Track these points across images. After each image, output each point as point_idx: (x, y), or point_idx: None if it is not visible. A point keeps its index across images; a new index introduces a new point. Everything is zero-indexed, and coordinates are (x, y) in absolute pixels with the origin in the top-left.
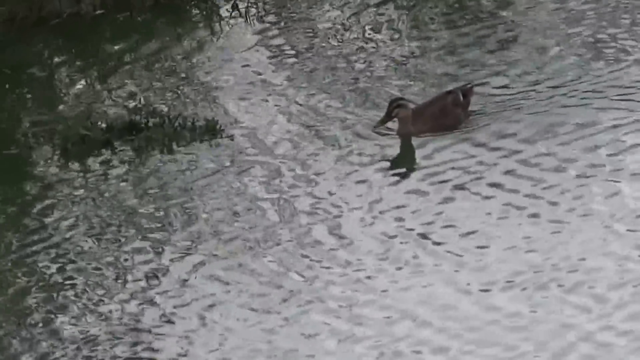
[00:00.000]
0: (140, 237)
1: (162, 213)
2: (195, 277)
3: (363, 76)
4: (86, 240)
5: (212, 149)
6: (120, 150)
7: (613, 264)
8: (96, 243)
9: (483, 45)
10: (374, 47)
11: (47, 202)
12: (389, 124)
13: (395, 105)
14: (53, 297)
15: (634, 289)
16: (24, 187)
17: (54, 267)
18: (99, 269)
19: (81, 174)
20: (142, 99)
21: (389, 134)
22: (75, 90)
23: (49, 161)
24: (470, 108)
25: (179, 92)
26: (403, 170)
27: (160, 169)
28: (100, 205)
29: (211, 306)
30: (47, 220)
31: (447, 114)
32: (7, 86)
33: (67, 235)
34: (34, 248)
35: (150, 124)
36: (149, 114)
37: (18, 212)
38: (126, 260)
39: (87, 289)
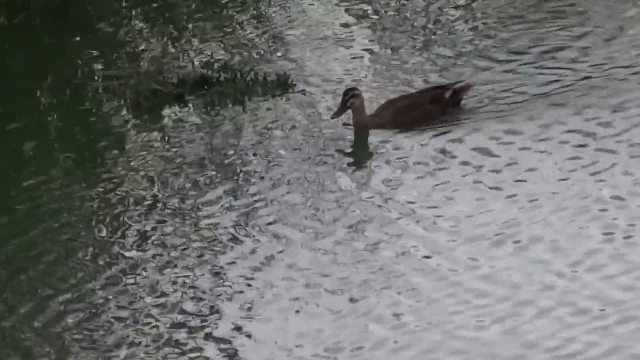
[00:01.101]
0: (212, 187)
1: (234, 165)
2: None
3: (439, 40)
4: (159, 192)
5: (284, 102)
6: (192, 105)
7: None
8: (168, 193)
9: None
10: (452, 15)
11: (120, 154)
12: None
13: (351, 95)
14: (137, 245)
15: None
16: (97, 141)
17: (132, 217)
18: (175, 216)
19: (153, 128)
20: (213, 54)
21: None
22: (147, 45)
23: (121, 115)
24: (460, 105)
25: (251, 46)
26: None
27: (232, 123)
28: (173, 157)
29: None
30: (120, 172)
31: (413, 110)
32: (78, 39)
33: (141, 187)
34: (109, 198)
35: (222, 78)
36: (221, 68)
37: (92, 167)
38: (198, 209)
39: (167, 238)
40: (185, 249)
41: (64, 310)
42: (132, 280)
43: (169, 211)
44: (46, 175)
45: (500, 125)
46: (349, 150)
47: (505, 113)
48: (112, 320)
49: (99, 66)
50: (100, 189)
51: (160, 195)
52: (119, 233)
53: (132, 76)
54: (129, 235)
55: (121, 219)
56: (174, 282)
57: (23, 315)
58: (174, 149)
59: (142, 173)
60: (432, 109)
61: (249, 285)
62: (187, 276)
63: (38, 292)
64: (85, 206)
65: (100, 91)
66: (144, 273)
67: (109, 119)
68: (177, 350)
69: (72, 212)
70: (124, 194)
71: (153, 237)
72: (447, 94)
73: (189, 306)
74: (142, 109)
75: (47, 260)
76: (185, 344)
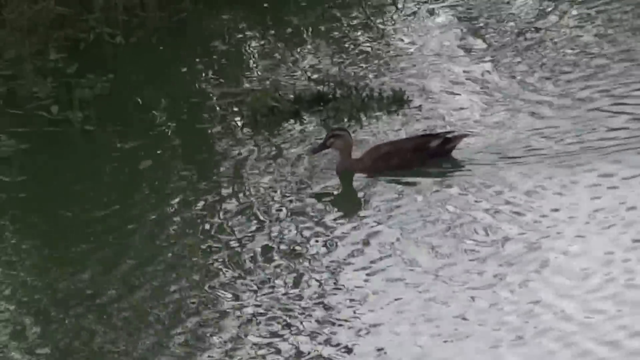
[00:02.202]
0: (329, 201)
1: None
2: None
3: (549, 58)
4: (277, 208)
5: (400, 118)
6: (309, 121)
7: None
8: (287, 209)
9: None
10: (564, 34)
11: (237, 172)
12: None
13: (331, 135)
14: (255, 263)
15: None
16: (216, 158)
17: (249, 228)
18: (300, 229)
19: (270, 144)
20: (328, 71)
21: None
22: (262, 62)
23: (238, 132)
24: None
25: (365, 62)
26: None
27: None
28: (290, 173)
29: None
30: (237, 189)
31: (392, 157)
32: (193, 57)
33: (259, 204)
34: (227, 216)
35: (337, 95)
36: (337, 85)
37: (208, 185)
38: (321, 225)
39: (282, 254)
40: (300, 264)
41: (180, 331)
42: (260, 298)
43: (287, 225)
44: (161, 194)
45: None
46: (334, 193)
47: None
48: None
49: (215, 84)
50: (217, 207)
51: (278, 212)
52: (236, 251)
53: (249, 93)
54: (245, 252)
55: (238, 236)
56: (300, 297)
57: (143, 334)
58: (292, 166)
59: (260, 190)
60: (412, 157)
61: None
62: (315, 293)
63: (150, 311)
64: (201, 224)
65: (216, 109)
66: (268, 290)
67: (226, 137)
68: None
69: (188, 230)
70: (241, 211)
71: (270, 254)
72: (434, 143)
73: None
74: (259, 125)
75: (161, 279)
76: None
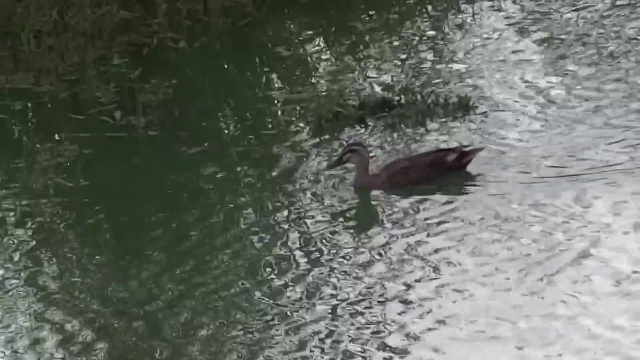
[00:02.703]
0: (395, 210)
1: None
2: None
3: (622, 70)
4: (344, 214)
5: (466, 125)
6: (374, 127)
7: None
8: (355, 216)
9: None
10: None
11: (301, 178)
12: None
13: (347, 150)
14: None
15: None
16: (280, 164)
17: (305, 236)
18: (359, 237)
19: (335, 150)
20: (393, 76)
21: None
22: (326, 68)
23: (302, 138)
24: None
25: (430, 68)
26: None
27: (414, 144)
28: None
29: None
30: (302, 196)
31: (410, 173)
32: (257, 62)
33: (325, 211)
34: (292, 223)
35: (402, 101)
36: (401, 91)
37: (273, 191)
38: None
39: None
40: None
41: (230, 342)
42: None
43: (349, 234)
44: (223, 200)
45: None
46: (353, 211)
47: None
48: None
49: (279, 89)
50: (280, 214)
51: (346, 221)
52: (291, 259)
53: (313, 99)
54: (299, 260)
55: (295, 244)
56: (370, 310)
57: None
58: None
59: (326, 196)
60: (430, 172)
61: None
62: (367, 301)
63: (201, 320)
64: (262, 231)
65: (280, 114)
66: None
67: (291, 143)
68: None
69: (247, 237)
70: (301, 218)
71: (317, 262)
72: (451, 157)
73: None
74: (324, 131)
75: (214, 287)
76: None
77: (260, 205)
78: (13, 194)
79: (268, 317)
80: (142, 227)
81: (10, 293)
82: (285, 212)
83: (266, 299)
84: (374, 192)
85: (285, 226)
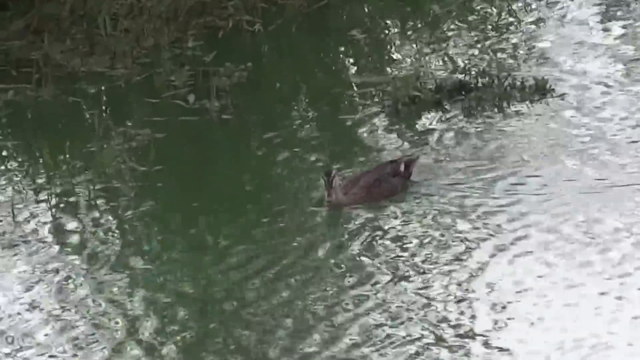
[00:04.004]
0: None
1: (494, 168)
2: None
3: None
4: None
5: (543, 107)
6: (450, 110)
7: None
8: (431, 199)
9: None
10: None
11: (380, 161)
12: None
13: (333, 176)
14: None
15: None
16: (356, 148)
17: (386, 222)
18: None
19: (412, 134)
20: (470, 60)
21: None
22: (403, 51)
23: (379, 122)
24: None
25: (507, 51)
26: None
27: (492, 129)
28: (436, 161)
29: None
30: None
31: (382, 183)
32: (332, 45)
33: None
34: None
35: (479, 84)
36: (478, 74)
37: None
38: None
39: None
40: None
41: (311, 336)
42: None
43: (431, 217)
44: (298, 185)
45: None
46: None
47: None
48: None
49: (355, 73)
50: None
51: (423, 204)
52: (376, 247)
53: (390, 82)
54: (381, 248)
55: (376, 232)
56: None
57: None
58: (435, 156)
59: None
60: (397, 182)
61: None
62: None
63: (286, 312)
64: (342, 216)
65: (356, 98)
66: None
67: (367, 127)
68: None
69: (327, 222)
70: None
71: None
72: (401, 167)
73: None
74: (401, 115)
75: (299, 276)
76: None
77: None
78: (87, 178)
79: (354, 295)
80: (214, 211)
81: (87, 277)
82: None
83: (350, 276)
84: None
85: (362, 212)
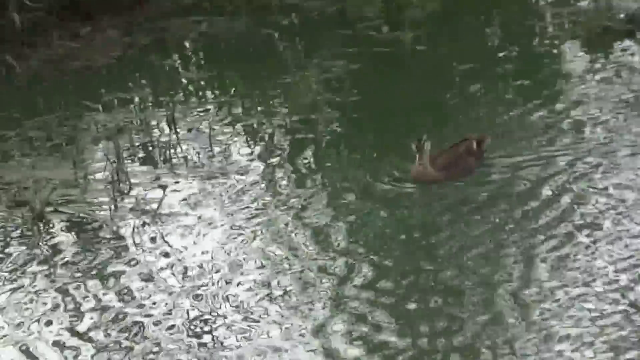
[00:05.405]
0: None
1: None
2: None
3: None
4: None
5: None
6: None
7: None
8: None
9: None
10: None
11: (573, 91)
12: None
13: (426, 141)
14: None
15: None
16: (551, 77)
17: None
18: None
19: (604, 64)
20: None
21: None
22: None
23: (572, 53)
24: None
25: None
26: None
27: None
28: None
29: None
30: (570, 114)
31: (459, 163)
32: None
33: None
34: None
35: None
36: None
37: (540, 107)
38: None
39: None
40: None
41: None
42: None
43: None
44: (487, 117)
45: None
46: None
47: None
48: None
49: (548, 4)
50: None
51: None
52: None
53: (583, 13)
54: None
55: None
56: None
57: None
58: (627, 85)
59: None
60: (472, 161)
61: None
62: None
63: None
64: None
65: (549, 29)
66: None
67: (561, 57)
68: None
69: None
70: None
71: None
72: (474, 146)
73: None
74: (593, 45)
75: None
76: None
77: (528, 121)
78: (283, 110)
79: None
80: (409, 140)
81: (282, 207)
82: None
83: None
84: None
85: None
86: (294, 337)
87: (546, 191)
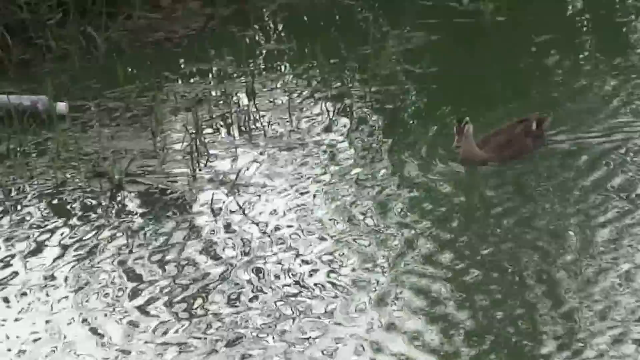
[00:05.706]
0: None
1: None
2: None
3: None
4: None
5: None
6: None
7: None
8: None
9: None
10: None
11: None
12: None
13: (467, 122)
14: None
15: None
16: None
17: None
18: None
19: None
20: None
21: None
22: None
23: None
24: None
25: None
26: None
27: None
28: None
29: None
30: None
31: (513, 144)
32: None
33: None
34: None
35: None
36: None
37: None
38: None
39: None
40: None
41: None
42: None
43: None
44: (565, 89)
45: None
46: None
47: None
48: None
49: None
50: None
51: None
52: None
53: None
54: None
55: None
56: None
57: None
58: None
59: None
60: (528, 142)
61: None
62: None
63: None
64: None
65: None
66: None
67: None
68: None
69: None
70: None
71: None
72: (533, 126)
73: None
74: None
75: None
76: None
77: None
78: (362, 80)
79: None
80: (487, 112)
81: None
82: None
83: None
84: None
85: None
86: (353, 310)
87: (607, 165)
